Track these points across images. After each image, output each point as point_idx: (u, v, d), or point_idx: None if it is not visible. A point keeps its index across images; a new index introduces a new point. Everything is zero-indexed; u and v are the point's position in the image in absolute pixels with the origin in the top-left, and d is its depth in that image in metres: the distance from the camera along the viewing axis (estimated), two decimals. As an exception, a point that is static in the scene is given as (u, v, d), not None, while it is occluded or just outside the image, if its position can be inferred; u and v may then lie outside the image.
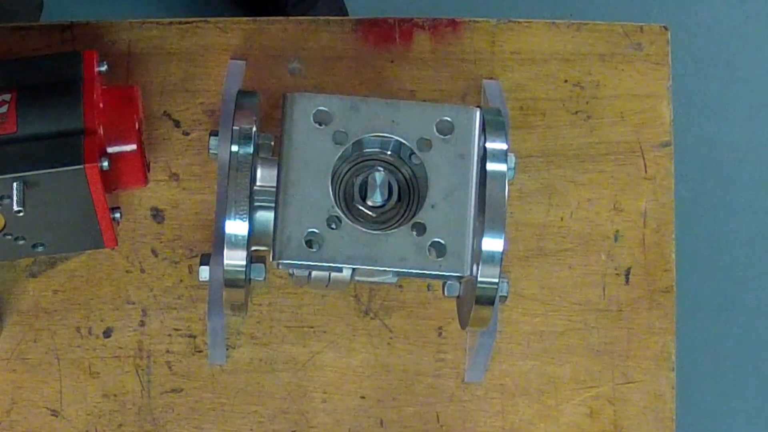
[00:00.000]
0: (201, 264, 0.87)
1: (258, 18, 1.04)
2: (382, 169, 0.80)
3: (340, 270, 0.76)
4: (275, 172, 0.80)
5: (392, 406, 1.01)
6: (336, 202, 0.77)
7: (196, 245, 1.01)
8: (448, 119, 0.78)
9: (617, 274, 1.03)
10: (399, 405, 1.01)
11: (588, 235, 1.04)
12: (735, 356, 1.78)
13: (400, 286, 1.00)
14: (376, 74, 1.03)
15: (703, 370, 1.76)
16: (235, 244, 0.82)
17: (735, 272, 1.79)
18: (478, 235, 0.81)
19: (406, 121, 0.78)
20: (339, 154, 0.77)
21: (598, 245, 1.03)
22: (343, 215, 0.76)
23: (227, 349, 0.99)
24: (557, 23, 1.06)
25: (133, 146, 0.93)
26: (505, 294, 0.88)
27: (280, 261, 0.76)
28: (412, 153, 0.79)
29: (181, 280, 1.01)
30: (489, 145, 0.82)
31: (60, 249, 0.96)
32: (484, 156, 0.81)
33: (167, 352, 0.99)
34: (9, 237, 0.91)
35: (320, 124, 0.77)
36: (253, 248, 0.85)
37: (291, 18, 1.05)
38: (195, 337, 1.00)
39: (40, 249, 0.93)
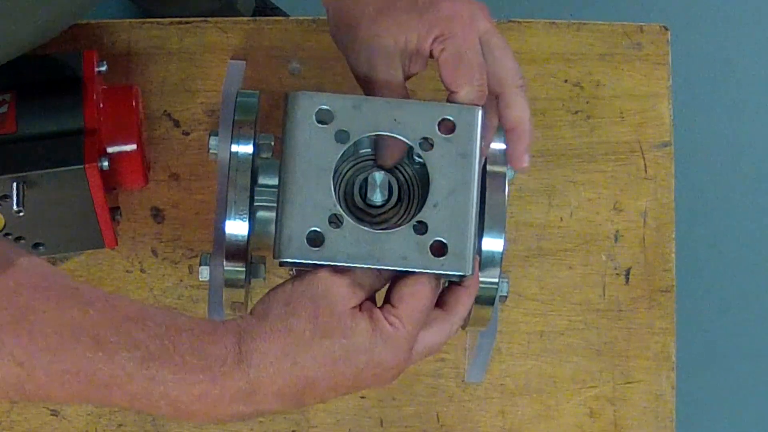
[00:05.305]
0: (201, 264, 0.87)
1: (258, 18, 1.04)
2: (381, 169, 0.80)
3: (341, 269, 0.76)
4: (275, 172, 0.79)
5: (392, 406, 1.01)
6: (338, 201, 0.76)
7: (196, 245, 1.01)
8: (451, 118, 0.78)
9: (617, 274, 1.03)
10: (399, 405, 1.01)
11: (588, 235, 1.03)
12: (735, 356, 1.78)
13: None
14: (376, 74, 1.03)
15: (703, 370, 1.76)
16: (235, 244, 0.81)
17: (735, 272, 1.79)
18: (478, 235, 0.81)
19: (409, 119, 0.77)
20: (341, 152, 0.76)
21: (598, 245, 1.03)
22: (344, 214, 0.76)
23: (227, 349, 0.99)
24: (557, 23, 1.06)
25: (133, 146, 0.93)
26: (505, 294, 0.88)
27: (282, 259, 0.76)
28: (414, 152, 0.79)
29: (181, 280, 1.01)
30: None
31: (60, 249, 0.96)
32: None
33: (167, 352, 0.99)
34: (9, 237, 0.91)
35: (322, 123, 0.77)
36: (253, 248, 0.85)
37: (291, 18, 1.05)
38: (195, 337, 0.99)
39: (40, 249, 0.93)
